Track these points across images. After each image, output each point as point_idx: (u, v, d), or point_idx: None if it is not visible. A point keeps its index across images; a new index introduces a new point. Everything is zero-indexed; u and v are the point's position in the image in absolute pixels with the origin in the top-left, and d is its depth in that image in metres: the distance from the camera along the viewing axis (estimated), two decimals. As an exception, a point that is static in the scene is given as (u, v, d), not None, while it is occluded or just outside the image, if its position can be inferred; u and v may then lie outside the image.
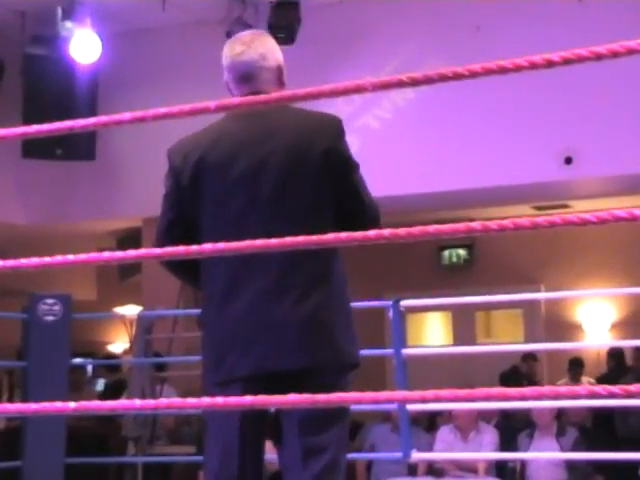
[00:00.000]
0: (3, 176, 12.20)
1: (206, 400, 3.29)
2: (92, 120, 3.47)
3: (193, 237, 4.13)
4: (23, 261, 3.05)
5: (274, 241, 2.73)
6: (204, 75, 11.25)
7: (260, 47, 4.45)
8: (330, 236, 2.66)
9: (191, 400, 3.12)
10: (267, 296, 4.23)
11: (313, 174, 4.29)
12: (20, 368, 9.58)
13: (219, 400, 3.11)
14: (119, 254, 3.33)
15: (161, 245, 4.17)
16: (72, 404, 4.06)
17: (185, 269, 4.58)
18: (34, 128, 3.45)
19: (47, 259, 3.09)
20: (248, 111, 4.32)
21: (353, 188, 4.38)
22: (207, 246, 2.96)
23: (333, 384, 4.06)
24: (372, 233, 2.65)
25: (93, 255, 3.04)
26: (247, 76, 4.38)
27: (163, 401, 3.49)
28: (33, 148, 11.36)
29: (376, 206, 4.43)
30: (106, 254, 3.07)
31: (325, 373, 4.20)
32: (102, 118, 3.45)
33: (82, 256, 3.04)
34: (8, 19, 11.76)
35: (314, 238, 2.86)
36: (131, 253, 3.17)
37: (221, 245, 2.77)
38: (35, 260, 3.07)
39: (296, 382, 3.84)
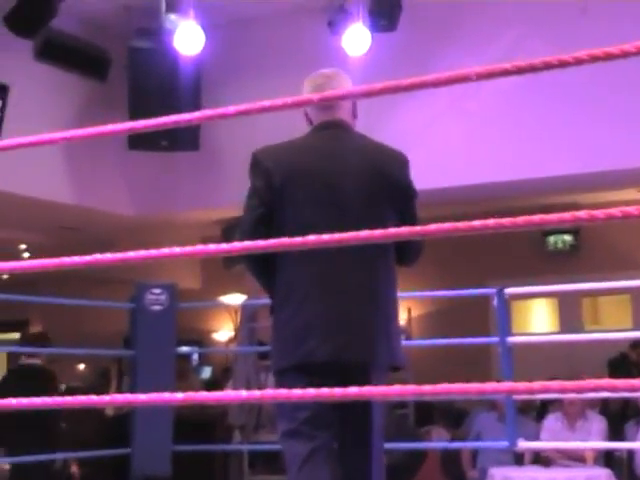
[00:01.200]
0: (110, 168, 12.30)
1: (311, 391, 3.30)
2: (197, 114, 3.51)
3: (270, 235, 4.42)
4: (131, 254, 3.06)
5: (363, 234, 2.76)
6: (306, 64, 11.23)
7: (341, 82, 5.01)
8: (432, 227, 2.68)
9: (296, 391, 3.15)
10: (346, 296, 4.73)
11: (383, 194, 4.87)
12: (128, 356, 9.62)
13: (325, 391, 3.13)
14: (224, 246, 3.35)
15: (248, 238, 4.40)
16: (180, 395, 4.06)
17: (263, 265, 4.90)
18: (141, 123, 3.47)
19: (154, 252, 3.10)
20: (329, 133, 4.98)
21: (412, 211, 4.99)
22: (312, 237, 2.98)
23: (383, 381, 4.60)
24: (477, 223, 2.64)
25: (199, 248, 3.05)
26: (329, 105, 4.93)
27: (268, 392, 3.49)
28: (139, 140, 11.43)
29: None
30: (211, 246, 3.08)
31: (382, 371, 4.76)
32: (207, 112, 3.50)
33: (188, 249, 3.04)
34: (113, 13, 11.85)
35: (413, 229, 2.97)
36: (236, 245, 3.19)
37: (326, 237, 2.80)
38: (142, 253, 3.08)
39: (359, 376, 4.33)
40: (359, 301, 4.75)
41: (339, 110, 4.96)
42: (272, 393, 3.57)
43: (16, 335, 19.86)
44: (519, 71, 2.82)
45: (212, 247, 3.25)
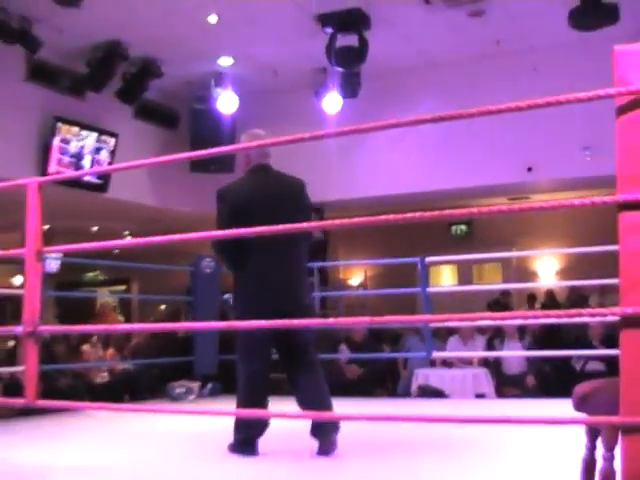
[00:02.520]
0: (178, 183, 12.41)
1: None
2: (231, 147, 3.66)
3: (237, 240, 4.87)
4: (190, 235, 3.17)
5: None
6: (301, 117, 11.44)
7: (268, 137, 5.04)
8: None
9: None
10: (277, 272, 4.98)
11: (293, 206, 5.11)
12: (189, 301, 9.71)
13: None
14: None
15: (220, 246, 5.14)
16: (222, 324, 4.14)
17: (232, 257, 5.12)
18: (198, 154, 3.65)
19: (203, 234, 3.23)
20: (261, 173, 5.22)
21: (309, 212, 5.41)
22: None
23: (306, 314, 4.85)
24: (396, 216, 2.74)
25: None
26: (264, 154, 5.21)
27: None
28: (197, 165, 11.58)
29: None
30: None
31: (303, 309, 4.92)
32: (238, 145, 3.66)
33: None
34: (181, 87, 11.98)
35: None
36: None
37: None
38: (196, 235, 3.22)
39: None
40: (291, 275, 5.04)
41: (267, 157, 5.21)
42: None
43: (122, 287, 20.01)
44: (432, 121, 2.97)
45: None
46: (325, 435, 4.83)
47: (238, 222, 4.77)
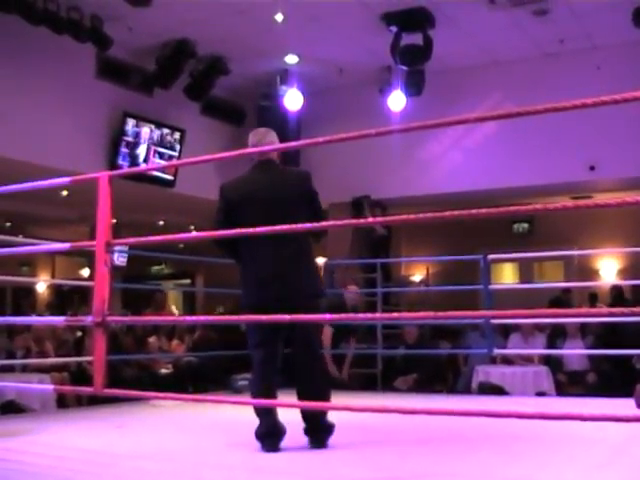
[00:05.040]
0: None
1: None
2: (298, 143, 3.72)
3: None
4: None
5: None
6: (366, 115, 11.42)
7: (272, 135, 5.18)
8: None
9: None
10: (277, 262, 4.90)
11: (296, 200, 5.00)
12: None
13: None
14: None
15: (218, 237, 5.00)
16: (272, 317, 4.19)
17: (231, 249, 5.13)
18: (263, 148, 3.71)
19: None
20: (264, 168, 5.07)
21: (316, 205, 5.12)
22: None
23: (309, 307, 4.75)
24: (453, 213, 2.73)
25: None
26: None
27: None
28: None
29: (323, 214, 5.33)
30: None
31: (306, 299, 4.88)
32: (303, 142, 3.70)
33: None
34: (248, 84, 12.09)
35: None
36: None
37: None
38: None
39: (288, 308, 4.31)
40: (285, 266, 4.92)
41: (270, 152, 5.05)
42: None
43: (188, 281, 20.23)
44: (499, 117, 2.96)
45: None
46: (316, 437, 4.88)
47: (231, 216, 4.97)
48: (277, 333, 4.96)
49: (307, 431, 4.90)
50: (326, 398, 4.87)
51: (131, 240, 4.01)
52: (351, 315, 4.30)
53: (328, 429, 4.89)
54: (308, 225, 4.42)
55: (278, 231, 4.17)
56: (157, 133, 11.47)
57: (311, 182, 5.16)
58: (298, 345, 5.00)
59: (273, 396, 4.90)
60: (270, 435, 4.84)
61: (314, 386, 4.94)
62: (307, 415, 4.87)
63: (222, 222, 5.01)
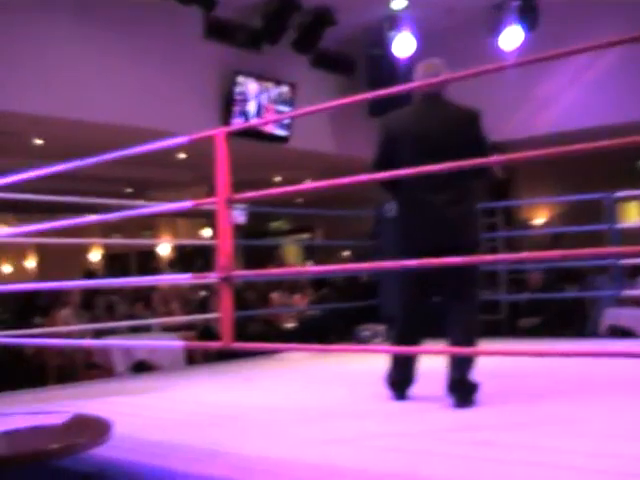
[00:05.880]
0: (358, 130, 12.50)
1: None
2: (408, 86, 3.75)
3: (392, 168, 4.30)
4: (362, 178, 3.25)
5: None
6: (478, 60, 11.22)
7: (443, 66, 4.90)
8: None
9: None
10: (440, 206, 4.64)
11: (468, 138, 4.68)
12: (372, 245, 9.82)
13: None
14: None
15: (376, 170, 4.69)
16: (399, 263, 4.25)
17: (390, 186, 4.91)
18: (375, 93, 3.74)
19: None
20: (429, 102, 4.83)
21: (482, 142, 4.74)
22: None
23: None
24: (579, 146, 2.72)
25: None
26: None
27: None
28: (375, 110, 11.62)
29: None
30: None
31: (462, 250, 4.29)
32: (416, 83, 3.75)
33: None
34: (356, 33, 12.05)
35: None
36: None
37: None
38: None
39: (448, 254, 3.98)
40: (447, 208, 4.64)
41: (437, 86, 4.77)
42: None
43: (306, 235, 20.43)
44: (618, 43, 2.93)
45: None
46: (461, 394, 4.57)
47: (393, 151, 4.73)
48: (429, 282, 4.74)
49: (451, 388, 4.60)
50: (474, 355, 4.67)
51: (252, 194, 4.08)
52: (489, 257, 4.25)
53: (474, 387, 4.58)
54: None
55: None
56: (268, 89, 11.60)
57: (481, 122, 4.82)
58: (453, 296, 4.76)
59: (416, 345, 4.75)
60: (403, 383, 4.82)
61: (465, 339, 4.60)
62: (454, 372, 4.60)
63: (380, 158, 4.80)
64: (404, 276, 4.85)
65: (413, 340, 4.73)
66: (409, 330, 4.83)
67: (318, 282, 12.72)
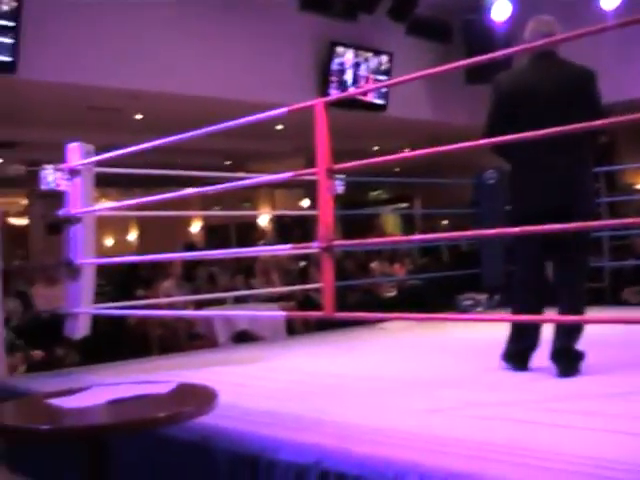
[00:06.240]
0: (455, 97, 12.39)
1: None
2: (507, 51, 3.68)
3: (506, 131, 4.18)
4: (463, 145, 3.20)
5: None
6: (578, 23, 10.94)
7: (556, 24, 4.74)
8: None
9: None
10: (556, 170, 4.48)
11: (583, 98, 4.53)
12: (473, 214, 9.74)
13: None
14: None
15: (488, 134, 4.49)
16: (499, 231, 4.18)
17: (503, 150, 4.70)
18: (473, 60, 3.66)
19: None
20: (542, 59, 4.64)
21: (596, 106, 4.57)
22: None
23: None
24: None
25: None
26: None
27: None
28: (473, 76, 11.48)
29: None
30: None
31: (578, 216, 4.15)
32: (516, 48, 3.66)
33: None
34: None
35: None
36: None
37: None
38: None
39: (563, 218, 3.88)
40: (565, 171, 4.50)
41: (553, 44, 4.59)
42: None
43: (405, 204, 20.39)
44: None
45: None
46: (566, 363, 4.46)
47: (507, 111, 4.59)
48: (545, 248, 4.61)
49: (556, 356, 4.51)
50: (581, 324, 4.56)
51: (352, 164, 4.07)
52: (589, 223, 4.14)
53: (580, 355, 4.48)
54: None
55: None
56: (365, 59, 11.57)
57: (597, 82, 4.64)
58: (564, 262, 4.66)
59: (537, 313, 4.60)
60: (523, 354, 4.70)
61: (573, 307, 4.49)
62: (560, 340, 4.51)
63: (493, 121, 4.66)
64: (522, 242, 4.73)
65: (533, 308, 4.60)
66: (529, 298, 4.72)
67: (419, 251, 12.70)
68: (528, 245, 4.66)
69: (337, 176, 9.81)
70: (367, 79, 11.60)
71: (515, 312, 4.79)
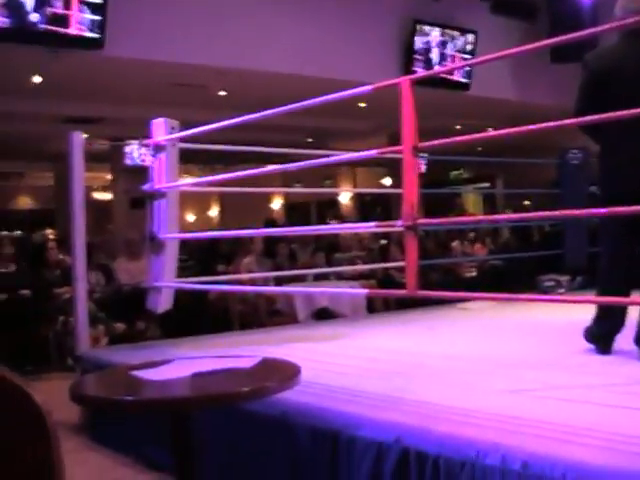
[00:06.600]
0: (539, 76, 12.21)
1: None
2: (592, 30, 3.57)
3: (596, 111, 3.94)
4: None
5: None
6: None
7: None
8: None
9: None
10: None
11: None
12: (556, 194, 9.60)
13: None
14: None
15: (579, 113, 4.35)
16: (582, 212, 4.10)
17: (594, 130, 4.54)
18: (559, 39, 3.58)
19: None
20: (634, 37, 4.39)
21: None
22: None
23: None
24: None
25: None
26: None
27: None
28: (558, 56, 11.30)
29: None
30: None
31: None
32: (603, 27, 3.54)
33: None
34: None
35: None
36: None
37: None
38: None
39: None
40: None
41: None
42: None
43: (487, 184, 20.16)
44: None
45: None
46: None
47: (596, 92, 4.44)
48: (634, 230, 4.49)
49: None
50: None
51: (438, 142, 4.03)
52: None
53: None
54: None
55: None
56: (452, 37, 11.48)
57: None
58: None
59: (623, 295, 4.47)
60: (608, 337, 4.60)
61: None
62: None
63: (584, 101, 4.51)
64: (612, 223, 4.61)
65: (620, 290, 4.48)
66: (616, 280, 4.59)
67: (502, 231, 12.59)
68: (618, 226, 4.54)
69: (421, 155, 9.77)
70: (453, 58, 11.50)
71: (601, 293, 4.67)
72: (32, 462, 1.92)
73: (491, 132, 4.19)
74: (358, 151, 5.28)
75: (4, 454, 1.90)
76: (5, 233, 15.49)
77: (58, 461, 1.88)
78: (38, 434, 1.87)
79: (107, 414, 5.01)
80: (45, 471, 1.88)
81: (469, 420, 3.14)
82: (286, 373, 2.80)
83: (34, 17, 8.35)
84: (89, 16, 8.66)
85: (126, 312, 8.30)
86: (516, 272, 10.16)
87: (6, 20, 8.20)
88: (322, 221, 19.31)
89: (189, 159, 14.53)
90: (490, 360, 4.70)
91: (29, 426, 1.86)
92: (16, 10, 8.27)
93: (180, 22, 9.38)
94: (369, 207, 20.01)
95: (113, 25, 8.80)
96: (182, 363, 3.10)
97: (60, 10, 8.53)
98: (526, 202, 17.93)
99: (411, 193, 3.94)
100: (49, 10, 8.44)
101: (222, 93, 11.83)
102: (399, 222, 4.00)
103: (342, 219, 18.51)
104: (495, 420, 3.13)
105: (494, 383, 3.93)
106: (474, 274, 10.40)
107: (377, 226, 4.91)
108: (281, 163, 5.59)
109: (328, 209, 21.07)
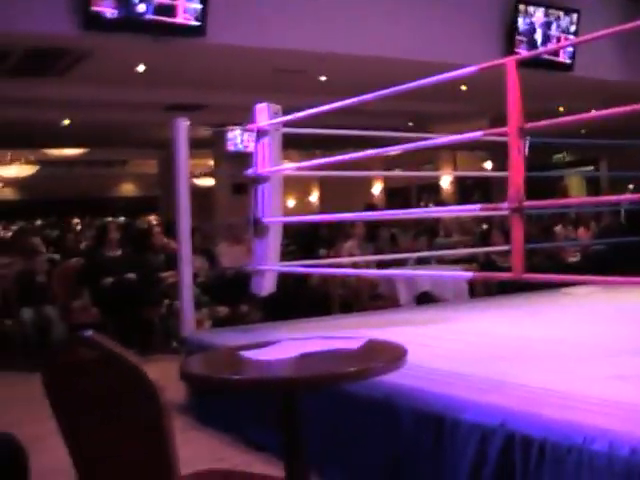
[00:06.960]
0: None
1: None
2: None
3: None
4: None
5: None
6: None
7: None
8: None
9: None
10: None
11: None
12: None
13: None
14: None
15: None
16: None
17: None
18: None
19: None
20: None
21: None
22: None
23: None
24: None
25: None
26: None
27: None
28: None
29: None
30: None
31: None
32: None
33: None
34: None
35: None
36: None
37: None
38: None
39: None
40: None
41: None
42: None
43: (590, 167, 19.79)
44: None
45: None
46: None
47: None
48: None
49: None
50: None
51: (545, 122, 3.98)
52: None
53: None
54: None
55: None
56: (556, 17, 11.29)
57: None
58: None
59: None
60: None
61: None
62: None
63: None
64: None
65: None
66: None
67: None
68: None
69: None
70: (558, 39, 11.31)
71: None
72: (146, 434, 2.00)
73: (599, 112, 4.10)
74: (459, 134, 5.25)
75: (122, 427, 1.98)
76: (109, 219, 15.85)
77: (169, 432, 1.97)
78: (152, 408, 1.94)
79: (211, 395, 5.11)
80: (158, 442, 1.96)
81: (574, 405, 3.11)
82: (392, 354, 2.81)
83: (141, 8, 8.57)
84: (194, 5, 8.83)
85: (229, 296, 8.42)
86: (620, 257, 9.94)
87: (114, 11, 8.43)
88: (422, 206, 19.25)
89: (289, 144, 14.62)
90: (595, 345, 4.64)
91: (144, 401, 1.93)
92: (124, 1, 8.50)
93: (280, 9, 9.45)
94: (469, 192, 19.84)
95: (215, 13, 8.93)
96: (289, 344, 3.13)
97: (167, 0, 8.75)
98: (630, 186, 17.53)
99: (517, 175, 3.91)
100: (156, 0, 8.66)
101: (322, 78, 11.86)
102: (505, 204, 3.97)
103: (442, 204, 18.40)
104: (602, 405, 3.09)
105: (599, 368, 3.88)
106: (577, 259, 10.22)
107: (482, 209, 4.87)
108: (381, 147, 5.58)
109: (429, 193, 20.97)
